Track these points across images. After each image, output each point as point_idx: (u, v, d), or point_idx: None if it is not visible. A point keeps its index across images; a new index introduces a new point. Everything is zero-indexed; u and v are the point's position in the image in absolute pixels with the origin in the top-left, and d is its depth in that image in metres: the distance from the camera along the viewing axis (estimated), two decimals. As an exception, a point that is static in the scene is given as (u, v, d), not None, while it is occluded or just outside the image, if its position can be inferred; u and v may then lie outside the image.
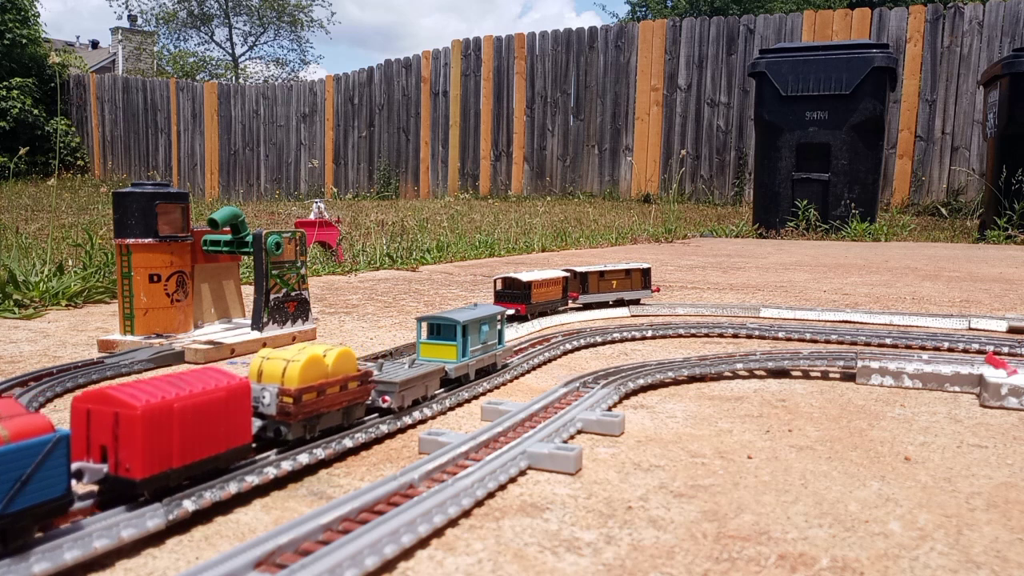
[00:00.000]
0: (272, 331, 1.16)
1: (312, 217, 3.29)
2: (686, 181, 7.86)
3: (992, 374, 0.86)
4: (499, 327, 0.93)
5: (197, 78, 24.19)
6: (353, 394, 0.67)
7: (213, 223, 1.13)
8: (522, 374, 0.99)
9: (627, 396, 0.88)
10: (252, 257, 1.15)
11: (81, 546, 0.45)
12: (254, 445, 0.60)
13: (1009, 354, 1.07)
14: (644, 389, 0.91)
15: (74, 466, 0.48)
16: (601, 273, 1.50)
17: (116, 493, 0.50)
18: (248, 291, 1.30)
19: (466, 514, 0.55)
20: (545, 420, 0.72)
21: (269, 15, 26.36)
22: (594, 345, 1.19)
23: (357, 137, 10.15)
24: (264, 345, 1.14)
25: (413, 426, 0.76)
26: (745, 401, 0.87)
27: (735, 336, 1.27)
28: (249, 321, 1.20)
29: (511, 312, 1.32)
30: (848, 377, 0.98)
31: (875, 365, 0.94)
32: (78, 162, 12.74)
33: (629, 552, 0.50)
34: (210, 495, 0.54)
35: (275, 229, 1.61)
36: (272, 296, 1.15)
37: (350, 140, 10.23)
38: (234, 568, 0.42)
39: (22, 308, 1.48)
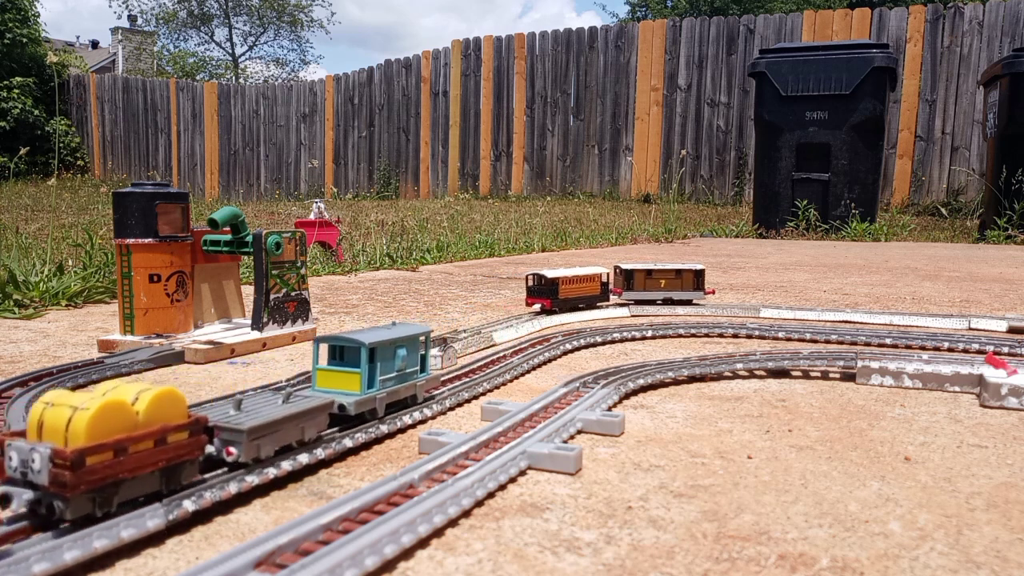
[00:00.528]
0: (272, 331, 1.16)
1: (312, 217, 3.29)
2: (686, 181, 7.86)
3: (992, 374, 0.86)
4: (423, 351, 0.77)
5: (197, 78, 24.18)
6: (177, 450, 0.52)
7: (213, 223, 1.13)
8: (522, 374, 0.99)
9: (627, 396, 0.88)
10: (252, 257, 1.15)
11: (81, 546, 0.45)
12: None
13: (1009, 354, 1.07)
14: (644, 389, 0.91)
15: None
16: (648, 271, 1.52)
17: None
18: (248, 291, 1.30)
19: (466, 514, 0.55)
20: (545, 420, 0.72)
21: (269, 15, 26.36)
22: (594, 345, 1.19)
23: (357, 137, 10.15)
24: (264, 345, 1.14)
25: (413, 426, 0.76)
26: (745, 401, 0.87)
27: (735, 336, 1.27)
28: (249, 321, 1.20)
29: (537, 307, 1.42)
30: (848, 377, 0.98)
31: (875, 365, 0.94)
32: (78, 162, 12.74)
33: (629, 552, 0.50)
34: (210, 495, 0.54)
35: (275, 229, 1.62)
36: (272, 296, 1.15)
37: (350, 140, 10.23)
38: (234, 568, 0.42)
39: (22, 308, 1.48)
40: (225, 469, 0.57)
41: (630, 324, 1.29)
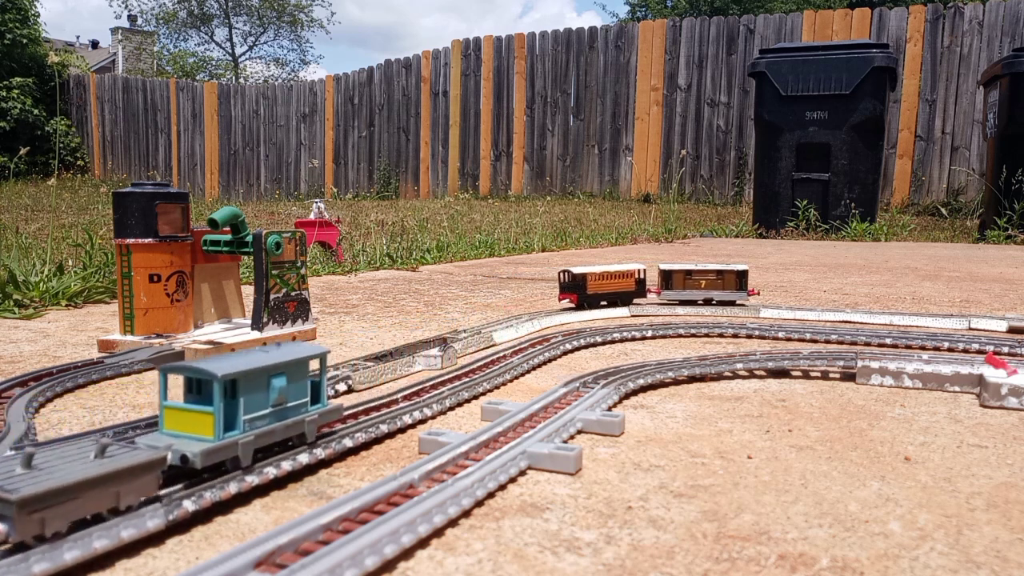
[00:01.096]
0: (272, 331, 1.16)
1: (312, 217, 3.29)
2: (686, 181, 7.86)
3: (992, 374, 0.86)
4: (317, 378, 0.64)
5: (197, 78, 24.19)
6: None
7: (213, 223, 1.13)
8: (522, 374, 0.99)
9: (627, 396, 0.88)
10: (252, 257, 1.15)
11: (81, 546, 0.45)
12: None
13: (1009, 354, 1.07)
14: (644, 389, 0.91)
15: None
16: (688, 272, 1.53)
17: None
18: (248, 291, 1.30)
19: (466, 514, 0.55)
20: (545, 420, 0.72)
21: (269, 15, 26.37)
22: (594, 345, 1.19)
23: (357, 137, 10.15)
24: (264, 344, 1.14)
25: (413, 426, 0.76)
26: (745, 401, 0.87)
27: (735, 336, 1.27)
28: (249, 321, 1.20)
29: (567, 303, 1.46)
30: (848, 377, 0.98)
31: (875, 365, 0.94)
32: (78, 162, 12.74)
33: (629, 552, 0.50)
34: (210, 495, 0.54)
35: (275, 229, 1.62)
36: (272, 296, 1.15)
37: (350, 140, 10.23)
38: (234, 568, 0.42)
39: (22, 308, 1.48)
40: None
41: (630, 324, 1.29)
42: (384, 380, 0.95)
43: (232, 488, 0.55)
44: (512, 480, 0.62)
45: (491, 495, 0.59)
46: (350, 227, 4.58)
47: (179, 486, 0.53)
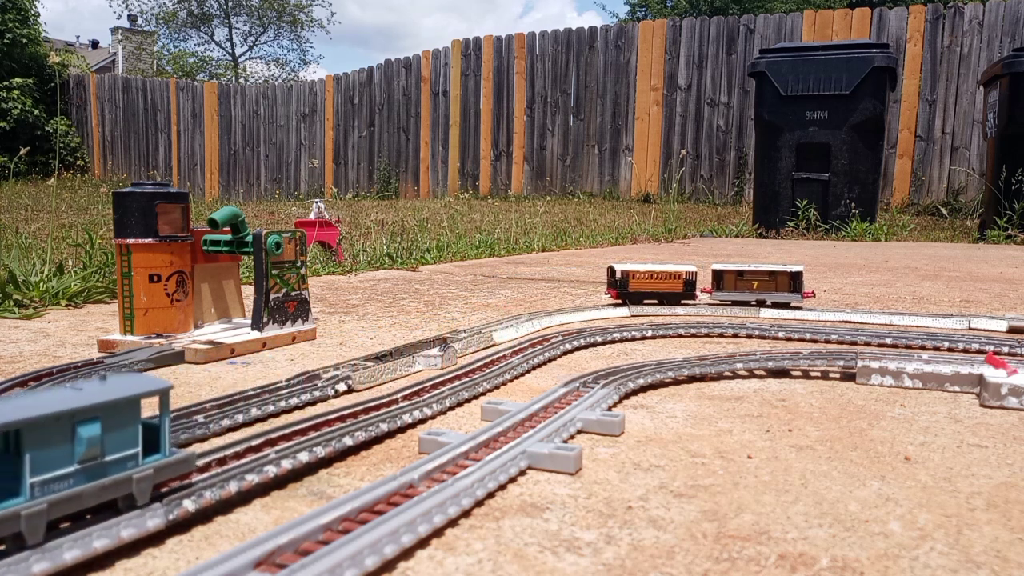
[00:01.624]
0: (272, 331, 1.16)
1: (312, 217, 3.29)
2: (686, 181, 7.86)
3: (992, 374, 0.86)
4: (156, 421, 0.50)
5: (197, 78, 24.19)
6: None
7: (213, 223, 1.13)
8: (522, 374, 0.99)
9: (627, 396, 0.88)
10: (252, 257, 1.15)
11: (81, 546, 0.45)
12: None
13: (1009, 354, 1.07)
14: (644, 389, 0.91)
15: None
16: (740, 272, 1.53)
17: None
18: (248, 291, 1.30)
19: (466, 514, 0.55)
20: (545, 420, 0.72)
21: (269, 15, 26.37)
22: (594, 345, 1.19)
23: (357, 137, 10.15)
24: (264, 345, 1.14)
25: (413, 426, 0.76)
26: (745, 401, 0.87)
27: (735, 336, 1.27)
28: (249, 321, 1.20)
29: (614, 301, 1.51)
30: (848, 377, 0.98)
31: (875, 365, 0.94)
32: (78, 162, 12.74)
33: (629, 552, 0.50)
34: (210, 495, 0.54)
35: (275, 229, 1.62)
36: (272, 296, 1.15)
37: (350, 140, 10.23)
38: (234, 568, 0.42)
39: (22, 308, 1.48)
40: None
41: (630, 324, 1.29)
42: (384, 380, 0.95)
43: (232, 488, 0.55)
44: (512, 480, 0.62)
45: (491, 495, 0.59)
46: (350, 227, 4.58)
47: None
